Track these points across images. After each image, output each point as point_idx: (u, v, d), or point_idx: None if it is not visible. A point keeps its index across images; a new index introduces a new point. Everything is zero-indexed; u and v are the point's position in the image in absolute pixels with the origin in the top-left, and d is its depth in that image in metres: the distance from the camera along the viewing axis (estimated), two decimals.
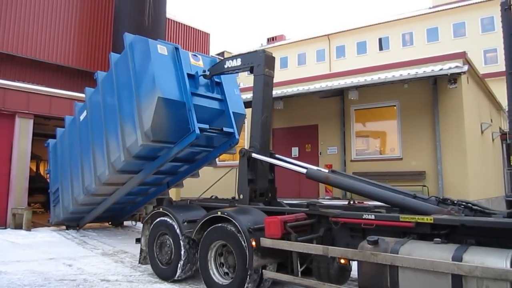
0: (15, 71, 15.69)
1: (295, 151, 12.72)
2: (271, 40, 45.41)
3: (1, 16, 15.06)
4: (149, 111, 6.75)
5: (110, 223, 11.20)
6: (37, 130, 12.20)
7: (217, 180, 9.56)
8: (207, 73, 7.29)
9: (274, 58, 6.73)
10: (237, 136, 7.55)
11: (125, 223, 11.44)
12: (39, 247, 8.60)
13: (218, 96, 7.62)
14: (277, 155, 6.55)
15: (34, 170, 17.22)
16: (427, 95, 10.60)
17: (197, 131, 6.67)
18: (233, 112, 7.59)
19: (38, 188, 14.65)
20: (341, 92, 11.56)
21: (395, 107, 11.24)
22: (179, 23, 20.84)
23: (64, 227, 10.73)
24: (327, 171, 5.80)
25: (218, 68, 7.20)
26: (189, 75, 7.12)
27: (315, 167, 5.92)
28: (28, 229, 10.48)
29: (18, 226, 10.68)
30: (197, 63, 7.56)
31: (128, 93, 7.32)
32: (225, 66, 7.01)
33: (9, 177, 11.25)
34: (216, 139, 7.76)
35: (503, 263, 3.29)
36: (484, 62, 31.86)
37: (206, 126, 6.90)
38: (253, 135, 6.32)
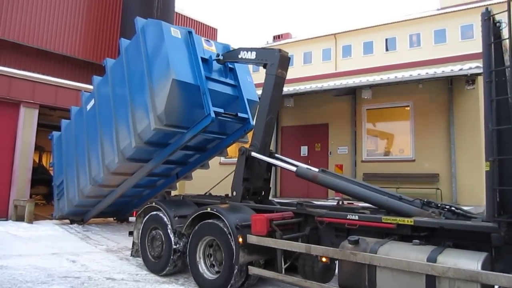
0: (20, 60, 15.47)
1: (304, 150, 12.47)
2: (277, 38, 44.99)
3: (7, 4, 14.81)
4: (163, 94, 6.59)
5: (114, 218, 10.96)
6: (41, 120, 11.94)
7: (225, 177, 9.34)
8: (221, 57, 7.19)
9: (289, 58, 6.58)
10: (251, 122, 7.36)
11: (130, 219, 11.19)
12: (42, 241, 8.37)
13: (232, 82, 7.53)
14: (276, 155, 6.72)
15: (37, 161, 17.00)
16: (442, 96, 10.34)
17: (212, 115, 6.51)
18: (246, 99, 7.49)
19: (40, 179, 14.43)
20: (353, 91, 11.31)
21: (408, 108, 10.98)
22: (187, 17, 20.59)
23: (66, 220, 10.49)
24: (317, 170, 5.85)
25: (232, 56, 7.13)
26: (202, 59, 7.01)
27: (305, 166, 5.99)
28: (30, 221, 10.25)
29: (20, 218, 10.45)
30: (210, 48, 7.45)
31: (139, 77, 7.17)
32: (239, 56, 6.93)
33: (12, 167, 11.01)
34: (229, 125, 7.64)
35: (474, 265, 3.40)
36: None
37: (221, 110, 6.78)
38: (255, 134, 6.33)
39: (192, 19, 20.87)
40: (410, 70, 10.28)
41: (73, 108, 9.94)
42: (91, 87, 10.63)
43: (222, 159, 13.09)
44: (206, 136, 7.74)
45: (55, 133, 10.71)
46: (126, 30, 15.41)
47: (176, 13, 19.18)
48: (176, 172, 9.06)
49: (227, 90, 7.42)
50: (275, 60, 6.30)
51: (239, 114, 7.28)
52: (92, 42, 17.32)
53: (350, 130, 11.70)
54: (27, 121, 11.25)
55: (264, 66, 6.50)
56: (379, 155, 11.67)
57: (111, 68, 8.25)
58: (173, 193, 11.20)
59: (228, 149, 8.76)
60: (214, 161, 9.95)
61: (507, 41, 3.76)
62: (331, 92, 10.89)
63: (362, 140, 11.56)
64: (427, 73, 9.32)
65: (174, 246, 5.97)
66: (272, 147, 12.69)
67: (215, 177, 9.28)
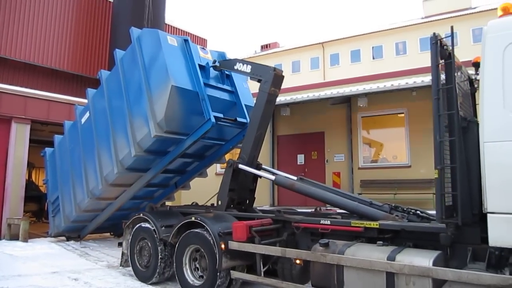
0: (7, 74, 15.19)
1: (300, 158, 12.49)
2: (265, 47, 45.25)
3: None
4: (162, 101, 6.61)
5: (111, 233, 10.74)
6: (31, 136, 11.66)
7: None
8: (217, 64, 7.30)
9: (283, 77, 6.71)
10: None
11: None
12: (39, 259, 8.13)
13: (229, 88, 7.63)
14: (264, 166, 7.02)
15: (27, 177, 16.60)
16: None
17: (213, 119, 6.58)
18: (244, 104, 7.58)
19: (31, 196, 14.08)
20: (348, 99, 11.40)
21: (403, 115, 11.11)
22: (177, 28, 20.58)
23: (62, 238, 10.23)
24: (295, 178, 6.22)
25: (227, 65, 7.27)
26: (200, 66, 7.09)
27: (283, 174, 6.47)
28: (25, 240, 9.96)
29: (14, 237, 10.16)
30: (206, 56, 7.55)
31: (137, 86, 7.17)
32: (235, 67, 7.07)
33: (4, 185, 10.72)
34: (228, 131, 7.71)
35: (427, 262, 3.79)
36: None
37: (221, 115, 6.85)
38: (243, 148, 6.58)
39: (182, 30, 20.87)
40: (405, 78, 10.42)
41: (66, 123, 9.77)
42: (84, 100, 10.51)
43: (218, 169, 13.04)
44: (205, 143, 7.76)
45: (48, 149, 10.49)
46: (116, 43, 15.28)
47: (166, 24, 19.16)
48: (175, 181, 9.04)
49: (225, 96, 7.51)
50: (269, 78, 6.43)
51: (238, 119, 7.35)
52: (81, 55, 17.14)
53: (346, 137, 11.77)
54: (19, 137, 10.99)
55: (258, 81, 6.64)
56: (375, 161, 11.74)
57: (106, 79, 8.19)
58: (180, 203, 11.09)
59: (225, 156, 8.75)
60: (210, 172, 9.90)
61: (458, 59, 4.30)
62: (328, 100, 10.96)
63: (358, 147, 11.64)
64: (422, 81, 9.45)
65: (161, 255, 6.22)
66: (268, 156, 12.75)
67: (211, 187, 9.23)
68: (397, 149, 11.46)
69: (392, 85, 9.83)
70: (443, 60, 4.16)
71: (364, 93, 10.16)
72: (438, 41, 4.05)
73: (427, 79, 9.58)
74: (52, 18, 16.30)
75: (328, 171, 11.88)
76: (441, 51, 4.12)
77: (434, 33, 4.08)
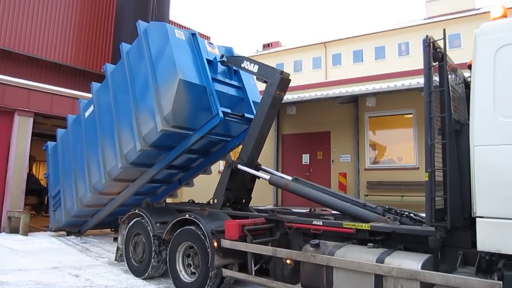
0: (11, 67, 15.05)
1: (305, 158, 12.34)
2: (267, 46, 45.12)
3: None
4: (170, 95, 6.49)
5: (112, 229, 10.59)
6: (33, 129, 11.55)
7: None
8: (225, 59, 7.19)
9: (289, 81, 6.56)
10: None
11: None
12: (39, 254, 7.99)
13: (236, 83, 7.51)
14: (263, 167, 7.00)
15: (28, 170, 16.44)
16: None
17: (221, 114, 6.46)
18: (252, 101, 7.46)
19: (31, 189, 13.95)
20: (355, 99, 11.25)
21: (411, 115, 10.96)
22: (181, 25, 20.42)
23: (62, 232, 10.10)
24: (290, 178, 6.30)
25: (235, 61, 7.17)
26: (207, 61, 6.98)
27: (279, 174, 6.66)
28: (25, 233, 9.83)
29: (14, 230, 10.04)
30: (213, 50, 7.43)
31: (143, 80, 7.05)
32: (242, 65, 6.96)
33: (5, 178, 10.60)
34: (234, 127, 7.57)
35: (415, 265, 3.78)
36: None
37: (229, 110, 6.73)
38: (244, 149, 6.57)
39: (185, 27, 20.70)
40: (416, 77, 10.25)
41: (69, 117, 9.64)
42: (87, 95, 10.40)
43: (221, 167, 12.88)
44: (212, 138, 7.63)
45: (50, 143, 10.37)
46: (120, 38, 15.11)
47: (170, 21, 19.02)
48: (179, 178, 8.91)
49: (232, 91, 7.39)
50: (275, 81, 6.31)
51: (246, 115, 7.24)
52: (84, 50, 17.04)
53: (353, 137, 11.62)
54: (22, 130, 10.88)
55: (264, 82, 6.55)
56: (382, 163, 11.60)
57: (112, 73, 8.07)
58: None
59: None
60: (213, 170, 9.76)
61: (453, 62, 4.34)
62: (335, 100, 10.81)
63: (365, 148, 11.49)
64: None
65: (155, 251, 6.29)
66: (272, 156, 12.60)
67: (214, 185, 9.08)
68: (405, 150, 11.31)
69: (403, 84, 9.67)
70: (436, 63, 4.14)
71: (373, 92, 10.00)
72: (431, 44, 4.05)
73: (437, 79, 9.45)
74: (56, 12, 16.16)
75: (334, 172, 11.74)
76: (434, 53, 4.12)
77: (427, 36, 4.09)
